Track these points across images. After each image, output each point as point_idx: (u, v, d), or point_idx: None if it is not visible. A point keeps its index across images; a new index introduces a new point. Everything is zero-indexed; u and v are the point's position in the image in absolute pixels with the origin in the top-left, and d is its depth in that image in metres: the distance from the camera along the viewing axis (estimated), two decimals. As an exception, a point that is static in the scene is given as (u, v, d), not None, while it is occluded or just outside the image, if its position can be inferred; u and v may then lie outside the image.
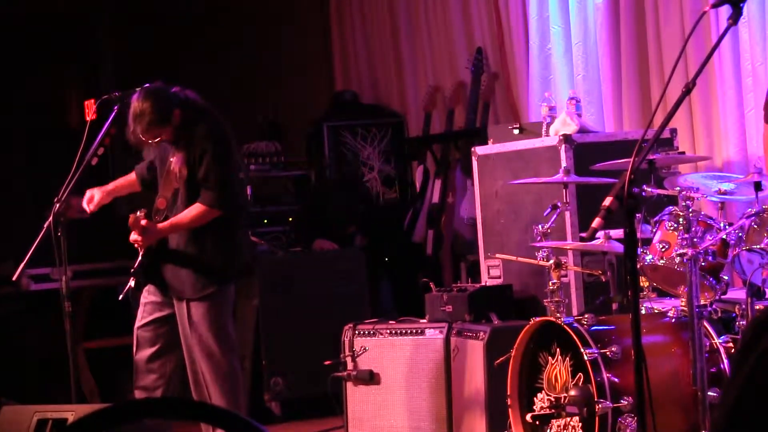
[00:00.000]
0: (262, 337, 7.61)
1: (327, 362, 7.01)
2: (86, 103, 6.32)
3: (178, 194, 6.14)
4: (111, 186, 6.41)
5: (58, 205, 5.88)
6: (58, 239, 5.85)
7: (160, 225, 6.09)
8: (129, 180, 6.50)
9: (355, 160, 9.50)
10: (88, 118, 6.22)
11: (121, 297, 6.22)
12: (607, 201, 3.96)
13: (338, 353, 7.01)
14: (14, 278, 6.20)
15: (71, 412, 5.24)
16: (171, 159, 6.13)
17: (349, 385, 6.98)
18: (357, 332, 6.98)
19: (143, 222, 5.97)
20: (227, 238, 6.25)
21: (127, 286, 6.19)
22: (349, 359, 6.96)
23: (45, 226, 5.89)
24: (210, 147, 6.06)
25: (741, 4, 4.09)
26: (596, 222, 4.05)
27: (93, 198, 6.25)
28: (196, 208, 6.08)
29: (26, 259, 5.98)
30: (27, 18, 9.82)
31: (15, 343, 8.24)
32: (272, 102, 10.37)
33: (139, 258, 6.14)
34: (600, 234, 5.31)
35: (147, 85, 6.09)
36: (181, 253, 6.18)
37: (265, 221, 8.29)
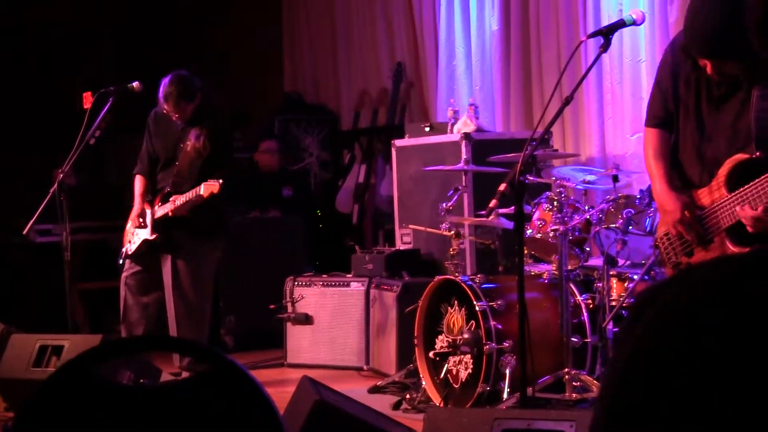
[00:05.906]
0: (221, 283, 7.50)
1: (272, 306, 6.97)
2: (84, 94, 6.15)
3: (191, 168, 6.04)
4: (138, 202, 6.26)
5: (61, 175, 5.76)
6: (61, 202, 5.74)
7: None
8: (141, 184, 6.32)
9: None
10: (85, 107, 6.05)
11: (120, 261, 6.19)
12: (502, 186, 3.92)
13: (281, 299, 6.96)
14: (24, 232, 6.06)
15: (67, 341, 5.17)
16: (190, 137, 6.07)
17: (289, 324, 6.93)
18: (296, 283, 6.93)
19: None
20: (220, 205, 6.13)
21: (124, 254, 6.15)
22: (289, 304, 6.92)
23: (50, 191, 5.77)
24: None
25: (610, 36, 4.07)
26: (493, 202, 4.04)
27: (140, 215, 6.18)
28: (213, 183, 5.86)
29: (35, 217, 5.86)
30: (40, 24, 9.64)
31: (24, 284, 8.11)
32: (238, 99, 10.23)
33: (151, 236, 6.05)
34: (492, 211, 5.29)
35: (175, 71, 6.11)
36: (182, 213, 6.03)
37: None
